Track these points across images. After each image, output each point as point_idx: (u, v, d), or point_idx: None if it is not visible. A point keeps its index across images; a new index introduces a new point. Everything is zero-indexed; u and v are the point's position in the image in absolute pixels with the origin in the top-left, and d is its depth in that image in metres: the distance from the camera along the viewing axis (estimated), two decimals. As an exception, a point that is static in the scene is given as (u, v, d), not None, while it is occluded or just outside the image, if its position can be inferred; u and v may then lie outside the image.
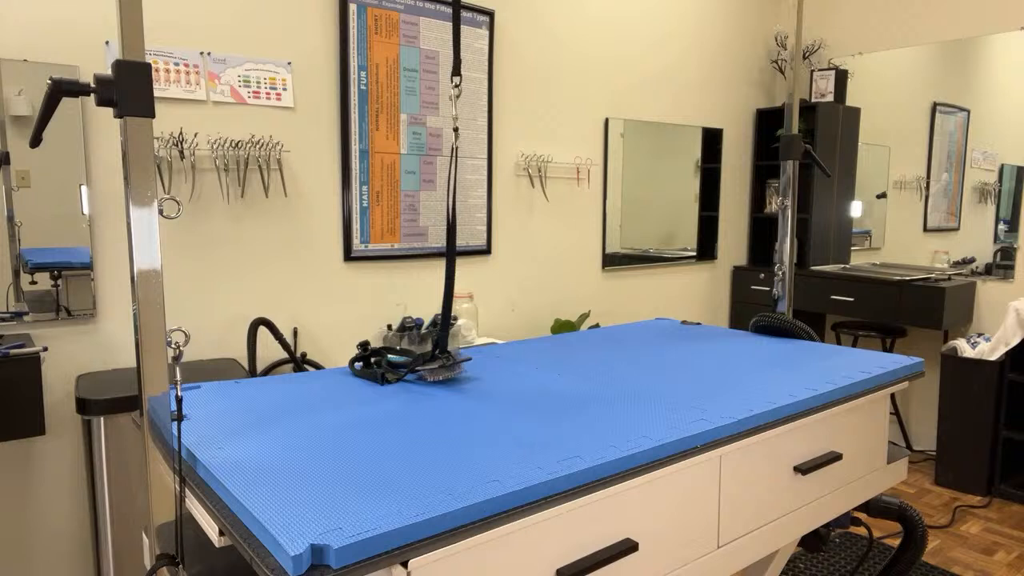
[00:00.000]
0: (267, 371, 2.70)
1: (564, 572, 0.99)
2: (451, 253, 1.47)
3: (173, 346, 1.06)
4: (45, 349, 2.27)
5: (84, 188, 2.29)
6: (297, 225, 2.74)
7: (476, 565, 0.90)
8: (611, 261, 3.83)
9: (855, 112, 4.33)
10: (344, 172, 2.82)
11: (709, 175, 4.28)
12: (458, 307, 3.12)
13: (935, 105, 3.99)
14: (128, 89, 1.04)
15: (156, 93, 2.39)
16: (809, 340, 1.90)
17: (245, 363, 2.64)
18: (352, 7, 2.77)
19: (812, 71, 4.35)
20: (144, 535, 1.39)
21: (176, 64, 2.42)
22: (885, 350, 4.11)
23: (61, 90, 1.06)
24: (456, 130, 1.49)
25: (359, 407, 1.28)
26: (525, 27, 3.33)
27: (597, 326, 3.67)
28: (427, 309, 3.15)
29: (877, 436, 1.65)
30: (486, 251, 3.30)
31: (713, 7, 4.16)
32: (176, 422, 1.01)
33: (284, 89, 2.65)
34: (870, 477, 1.64)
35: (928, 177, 4.04)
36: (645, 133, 3.90)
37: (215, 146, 2.51)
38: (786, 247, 2.15)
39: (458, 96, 1.51)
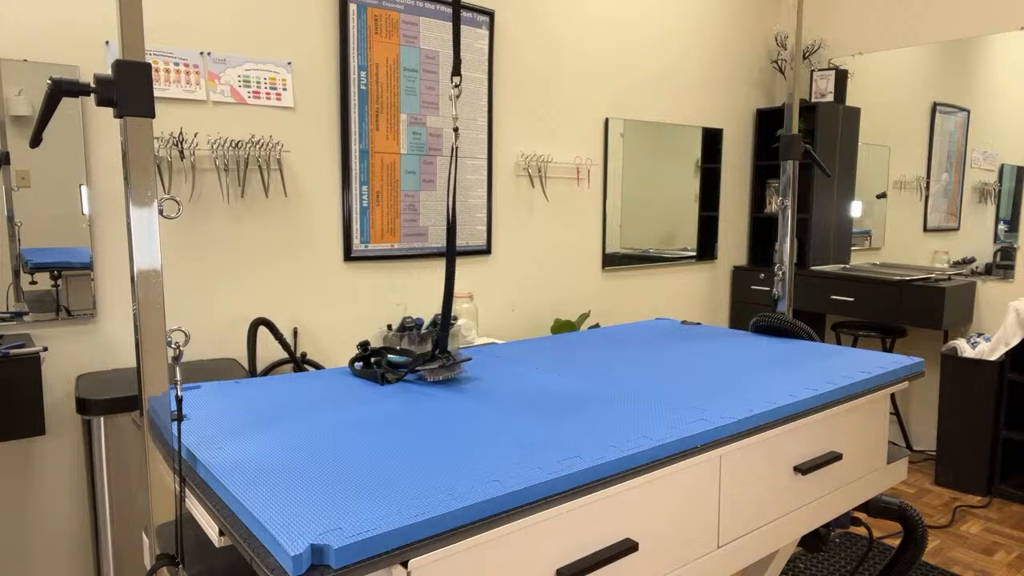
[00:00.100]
0: (267, 371, 2.70)
1: (564, 572, 0.99)
2: (451, 253, 1.47)
3: (173, 346, 1.06)
4: (45, 349, 2.27)
5: (84, 188, 2.29)
6: (297, 225, 2.74)
7: (476, 565, 0.90)
8: (611, 261, 3.83)
9: (855, 112, 4.33)
10: (344, 172, 2.82)
11: (709, 175, 4.28)
12: (458, 307, 3.12)
13: (935, 105, 3.99)
14: (128, 89, 1.04)
15: (156, 93, 2.39)
16: (809, 340, 1.90)
17: (245, 363, 2.64)
18: (352, 7, 2.77)
19: (812, 71, 4.35)
20: (144, 535, 1.39)
21: (176, 64, 2.42)
22: (885, 350, 4.11)
23: (61, 90, 1.06)
24: (456, 130, 1.49)
25: (359, 407, 1.28)
26: (525, 27, 3.33)
27: (597, 326, 3.67)
28: (427, 309, 3.15)
29: (877, 436, 1.65)
30: (486, 251, 3.30)
31: (713, 7, 4.16)
32: (176, 422, 1.01)
33: (284, 89, 2.65)
34: (870, 477, 1.64)
35: (928, 177, 4.04)
36: (645, 133, 3.90)
37: (215, 146, 2.51)
38: (786, 247, 2.15)
39: (458, 96, 1.51)
